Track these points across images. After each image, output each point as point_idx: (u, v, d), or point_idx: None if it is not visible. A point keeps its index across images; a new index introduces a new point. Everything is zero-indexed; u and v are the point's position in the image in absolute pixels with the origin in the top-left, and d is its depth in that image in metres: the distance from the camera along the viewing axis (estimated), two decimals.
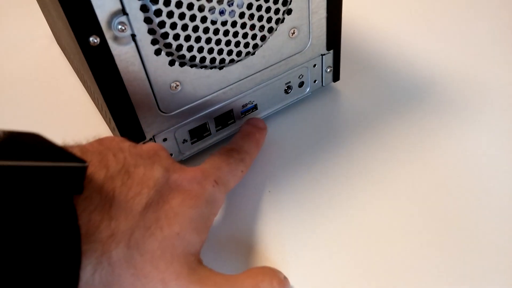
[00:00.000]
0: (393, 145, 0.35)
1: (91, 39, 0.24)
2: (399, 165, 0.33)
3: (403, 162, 0.33)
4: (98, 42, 0.24)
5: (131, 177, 0.22)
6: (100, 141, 0.24)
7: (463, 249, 0.27)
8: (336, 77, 0.39)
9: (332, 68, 0.38)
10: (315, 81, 0.38)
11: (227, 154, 0.30)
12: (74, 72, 0.44)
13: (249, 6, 0.28)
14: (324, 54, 0.36)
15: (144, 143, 0.30)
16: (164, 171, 0.24)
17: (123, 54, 0.26)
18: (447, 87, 0.39)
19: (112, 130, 0.33)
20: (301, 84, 0.37)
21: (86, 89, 0.40)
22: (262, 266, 0.26)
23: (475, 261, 0.27)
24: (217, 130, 0.34)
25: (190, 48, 0.28)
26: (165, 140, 0.32)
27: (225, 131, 0.35)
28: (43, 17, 0.47)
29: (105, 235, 0.20)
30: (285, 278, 0.25)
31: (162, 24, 0.26)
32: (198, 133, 0.33)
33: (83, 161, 0.19)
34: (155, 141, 0.31)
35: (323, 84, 0.38)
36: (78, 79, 0.43)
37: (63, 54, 0.47)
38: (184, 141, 0.33)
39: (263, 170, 0.34)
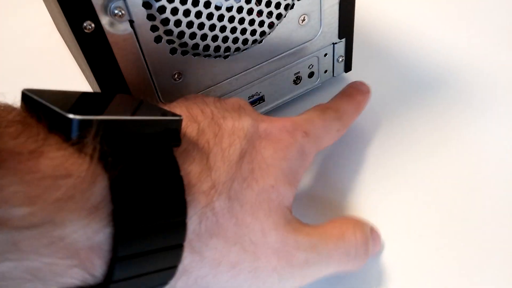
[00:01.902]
0: (406, 139, 0.33)
1: (85, 24, 0.22)
2: (415, 160, 0.31)
3: (419, 157, 0.31)
4: (93, 28, 0.22)
5: (221, 129, 0.22)
6: (185, 98, 0.24)
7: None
8: (348, 67, 0.37)
9: (344, 58, 0.36)
10: (325, 71, 0.36)
11: (322, 110, 0.29)
12: (74, 60, 0.42)
13: None
14: (335, 43, 0.34)
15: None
16: (253, 121, 0.24)
17: (121, 42, 0.24)
18: (466, 78, 0.37)
19: None
20: (311, 75, 0.35)
21: (86, 78, 0.39)
22: (346, 216, 0.26)
23: None
24: None
25: (192, 36, 0.26)
26: None
27: None
28: (43, 3, 0.45)
29: (207, 186, 0.20)
30: (372, 229, 0.26)
31: (162, 9, 0.24)
32: None
33: (177, 115, 0.20)
34: None
35: (334, 75, 0.36)
36: (78, 67, 0.41)
37: (63, 42, 0.46)
38: None
39: None
